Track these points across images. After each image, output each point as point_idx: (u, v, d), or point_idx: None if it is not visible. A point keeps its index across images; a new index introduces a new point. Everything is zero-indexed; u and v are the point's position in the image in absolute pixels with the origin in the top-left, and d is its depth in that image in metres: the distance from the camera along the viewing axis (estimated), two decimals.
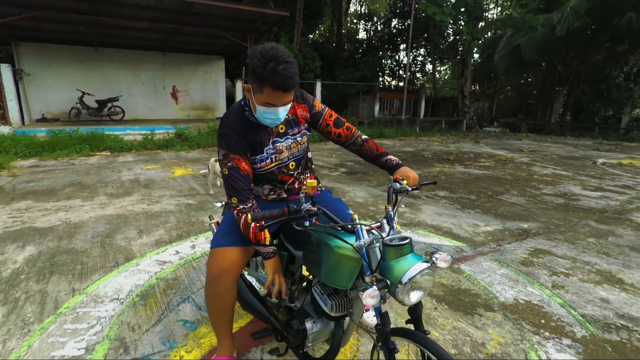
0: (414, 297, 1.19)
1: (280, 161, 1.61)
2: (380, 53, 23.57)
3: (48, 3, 9.09)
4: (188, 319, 2.21)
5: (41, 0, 8.91)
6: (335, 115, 1.73)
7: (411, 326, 1.33)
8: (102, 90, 13.08)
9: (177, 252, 3.17)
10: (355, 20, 27.66)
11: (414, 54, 24.22)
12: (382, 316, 1.28)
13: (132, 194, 5.05)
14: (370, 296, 1.12)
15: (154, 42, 13.33)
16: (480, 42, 17.93)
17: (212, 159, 4.92)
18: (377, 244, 1.28)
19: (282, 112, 1.44)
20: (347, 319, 1.55)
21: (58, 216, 4.07)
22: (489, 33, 18.84)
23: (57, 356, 1.87)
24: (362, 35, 27.15)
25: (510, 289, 2.64)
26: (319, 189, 1.81)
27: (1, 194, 4.97)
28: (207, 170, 5.27)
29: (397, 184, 1.52)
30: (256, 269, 2.11)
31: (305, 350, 1.59)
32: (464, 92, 17.80)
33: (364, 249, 1.27)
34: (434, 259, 1.22)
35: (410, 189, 1.54)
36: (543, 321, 2.25)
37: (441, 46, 20.93)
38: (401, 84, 22.31)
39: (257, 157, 1.56)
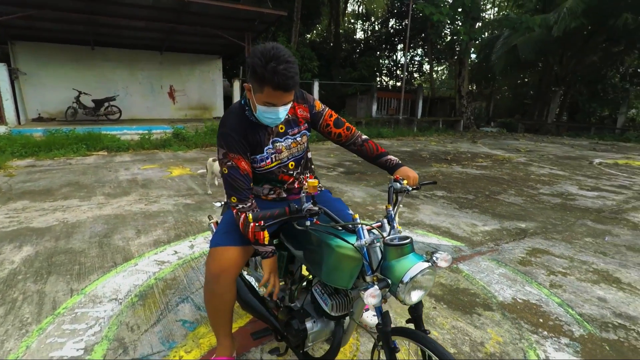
0: (415, 296, 1.19)
1: (280, 161, 1.61)
2: (378, 53, 23.60)
3: (44, 2, 9.05)
4: (187, 319, 2.20)
5: None
6: (335, 116, 1.73)
7: (411, 325, 1.33)
8: (98, 89, 13.02)
9: (176, 252, 3.16)
10: (352, 20, 27.70)
11: (412, 54, 24.27)
12: (383, 315, 1.28)
13: (129, 194, 5.04)
14: (371, 295, 1.12)
15: (151, 42, 13.28)
16: (477, 42, 18.01)
17: (210, 159, 4.91)
18: (378, 244, 1.28)
19: (283, 111, 1.44)
20: (348, 318, 1.55)
21: (55, 216, 4.05)
22: (486, 33, 18.90)
23: (55, 357, 1.86)
24: (359, 35, 27.21)
25: (508, 289, 2.65)
26: (319, 188, 1.81)
27: None
28: (205, 170, 5.26)
29: (398, 184, 1.52)
30: (255, 268, 2.11)
31: (305, 350, 1.59)
32: (461, 92, 17.87)
33: (365, 249, 1.27)
34: (434, 258, 1.23)
35: (410, 188, 1.54)
36: (541, 320, 2.27)
37: (438, 46, 20.98)
38: (399, 83, 22.36)
39: (257, 156, 1.56)
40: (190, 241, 3.41)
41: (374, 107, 17.20)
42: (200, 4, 9.68)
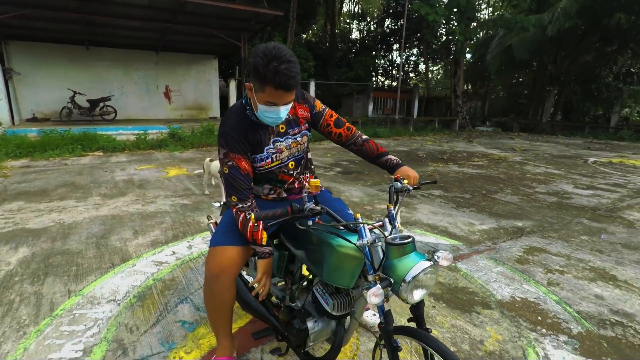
0: (417, 295, 1.20)
1: (280, 161, 1.61)
2: (374, 53, 23.67)
3: (38, 1, 8.96)
4: (186, 320, 2.20)
5: None
6: (335, 116, 1.73)
7: (413, 324, 1.33)
8: (93, 89, 12.93)
9: (174, 253, 3.15)
10: (348, 20, 27.74)
11: (407, 53, 24.38)
12: (385, 315, 1.28)
13: (126, 195, 5.01)
14: (374, 295, 1.12)
15: (146, 41, 13.21)
16: (472, 42, 18.11)
17: (207, 159, 4.90)
18: (380, 243, 1.28)
19: (284, 111, 1.44)
20: (348, 317, 1.55)
21: (51, 217, 4.02)
22: (481, 33, 19.02)
23: (54, 358, 1.85)
24: (355, 35, 27.26)
25: (506, 287, 2.67)
26: (320, 188, 1.81)
27: None
28: (202, 170, 5.23)
29: (398, 183, 1.52)
30: (255, 268, 2.10)
31: (306, 349, 1.59)
32: (457, 91, 17.96)
33: (367, 248, 1.27)
34: (436, 257, 1.23)
35: (411, 188, 1.54)
36: (540, 318, 2.28)
37: (434, 46, 21.07)
38: (394, 83, 22.39)
39: (258, 156, 1.56)
40: (189, 242, 3.40)
41: (370, 107, 17.24)
42: (196, 4, 9.64)
